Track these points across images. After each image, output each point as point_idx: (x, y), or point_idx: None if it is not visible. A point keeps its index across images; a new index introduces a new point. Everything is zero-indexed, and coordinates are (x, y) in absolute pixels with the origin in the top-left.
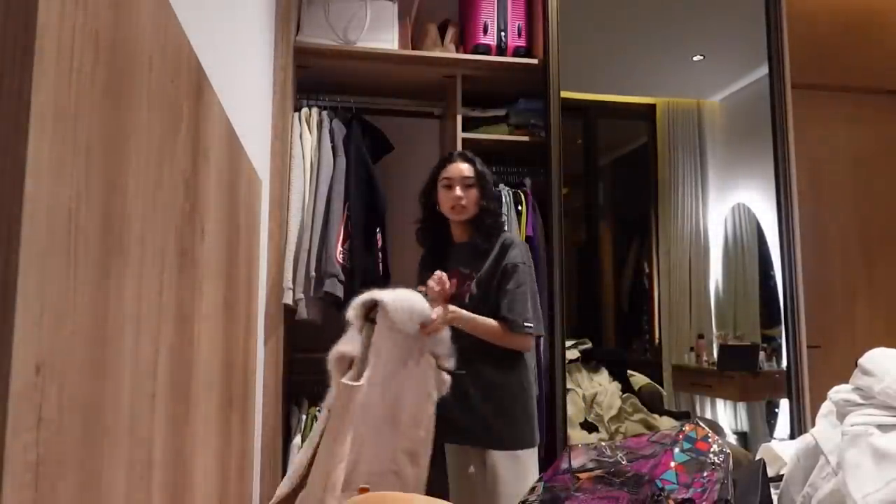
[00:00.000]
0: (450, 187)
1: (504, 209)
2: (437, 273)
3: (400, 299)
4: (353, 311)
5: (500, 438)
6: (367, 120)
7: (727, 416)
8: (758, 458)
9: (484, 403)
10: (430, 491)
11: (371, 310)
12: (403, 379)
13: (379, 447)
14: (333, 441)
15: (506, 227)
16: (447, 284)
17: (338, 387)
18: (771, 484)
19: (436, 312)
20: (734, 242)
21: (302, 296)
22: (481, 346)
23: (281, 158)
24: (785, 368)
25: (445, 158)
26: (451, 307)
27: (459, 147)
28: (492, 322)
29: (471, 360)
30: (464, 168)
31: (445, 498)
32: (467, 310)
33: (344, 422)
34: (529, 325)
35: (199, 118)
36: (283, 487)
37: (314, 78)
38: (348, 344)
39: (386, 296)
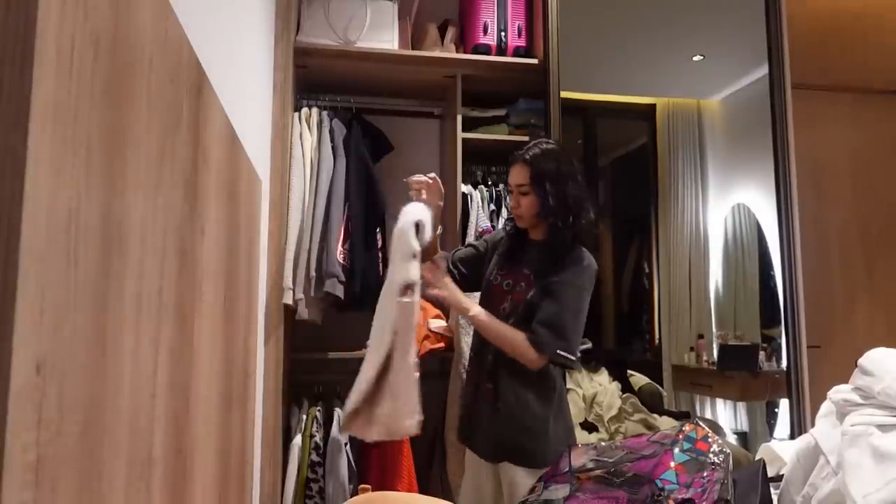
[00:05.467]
0: (511, 192)
1: (504, 210)
2: (416, 177)
3: (398, 243)
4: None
5: (521, 454)
6: (367, 120)
7: (727, 416)
8: (758, 458)
9: (508, 417)
10: (431, 490)
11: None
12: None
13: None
14: (404, 357)
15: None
16: (429, 182)
17: (398, 306)
18: (771, 484)
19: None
20: (734, 242)
21: (302, 296)
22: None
23: (281, 158)
24: (785, 368)
25: (510, 160)
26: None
27: (460, 147)
28: (509, 330)
29: (496, 371)
30: (519, 173)
31: (447, 497)
32: (518, 316)
33: (411, 337)
34: (565, 351)
35: (199, 118)
36: (351, 404)
37: (314, 78)
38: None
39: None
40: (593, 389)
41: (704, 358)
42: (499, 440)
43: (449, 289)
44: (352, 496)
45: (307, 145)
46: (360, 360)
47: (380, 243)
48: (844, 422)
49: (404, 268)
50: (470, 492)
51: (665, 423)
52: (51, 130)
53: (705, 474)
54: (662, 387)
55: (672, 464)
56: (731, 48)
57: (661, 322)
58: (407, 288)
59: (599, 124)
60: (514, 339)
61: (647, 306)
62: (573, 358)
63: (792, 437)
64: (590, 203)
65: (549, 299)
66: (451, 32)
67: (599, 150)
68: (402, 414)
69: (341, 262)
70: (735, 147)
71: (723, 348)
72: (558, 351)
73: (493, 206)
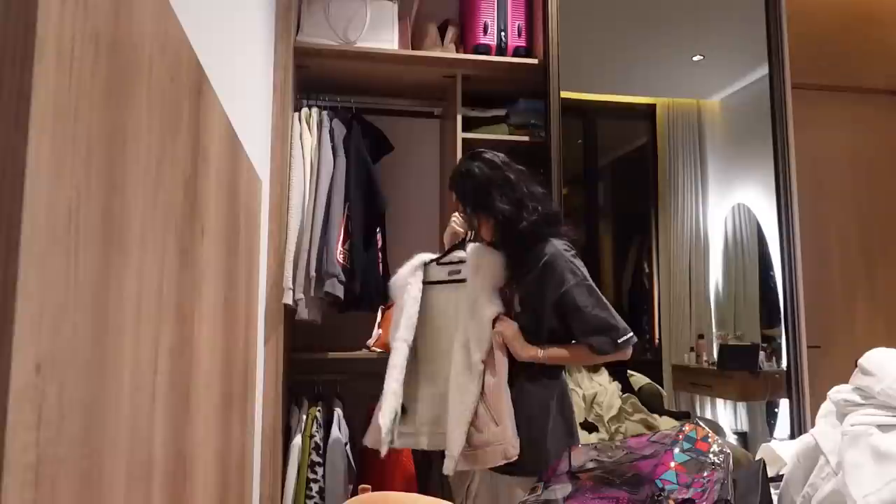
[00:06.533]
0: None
1: None
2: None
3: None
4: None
5: (521, 464)
6: (367, 120)
7: (727, 416)
8: (758, 458)
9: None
10: (431, 490)
11: None
12: None
13: None
14: (501, 381)
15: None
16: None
17: (493, 334)
18: (771, 484)
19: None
20: (734, 242)
21: (302, 296)
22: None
23: (281, 158)
24: (785, 368)
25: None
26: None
27: (460, 147)
28: (566, 351)
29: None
30: (456, 202)
31: (447, 497)
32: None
33: (504, 362)
34: (620, 338)
35: (199, 118)
36: (457, 448)
37: (314, 78)
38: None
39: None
40: (593, 389)
41: (704, 358)
42: None
43: (514, 330)
44: (352, 496)
45: (307, 145)
46: (359, 360)
47: (379, 243)
48: (844, 422)
49: (496, 298)
50: (485, 492)
51: (665, 423)
52: (51, 130)
53: (705, 474)
54: (662, 387)
55: (672, 464)
56: (731, 48)
57: (661, 322)
58: (497, 317)
59: (599, 124)
60: (585, 355)
61: (647, 306)
62: (630, 333)
63: (792, 437)
64: (529, 195)
65: (571, 314)
66: (451, 32)
67: (599, 150)
68: (508, 438)
69: (341, 262)
70: (735, 147)
71: (723, 348)
72: (618, 341)
73: None
